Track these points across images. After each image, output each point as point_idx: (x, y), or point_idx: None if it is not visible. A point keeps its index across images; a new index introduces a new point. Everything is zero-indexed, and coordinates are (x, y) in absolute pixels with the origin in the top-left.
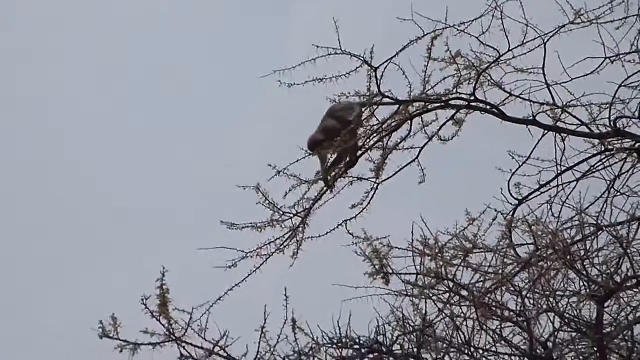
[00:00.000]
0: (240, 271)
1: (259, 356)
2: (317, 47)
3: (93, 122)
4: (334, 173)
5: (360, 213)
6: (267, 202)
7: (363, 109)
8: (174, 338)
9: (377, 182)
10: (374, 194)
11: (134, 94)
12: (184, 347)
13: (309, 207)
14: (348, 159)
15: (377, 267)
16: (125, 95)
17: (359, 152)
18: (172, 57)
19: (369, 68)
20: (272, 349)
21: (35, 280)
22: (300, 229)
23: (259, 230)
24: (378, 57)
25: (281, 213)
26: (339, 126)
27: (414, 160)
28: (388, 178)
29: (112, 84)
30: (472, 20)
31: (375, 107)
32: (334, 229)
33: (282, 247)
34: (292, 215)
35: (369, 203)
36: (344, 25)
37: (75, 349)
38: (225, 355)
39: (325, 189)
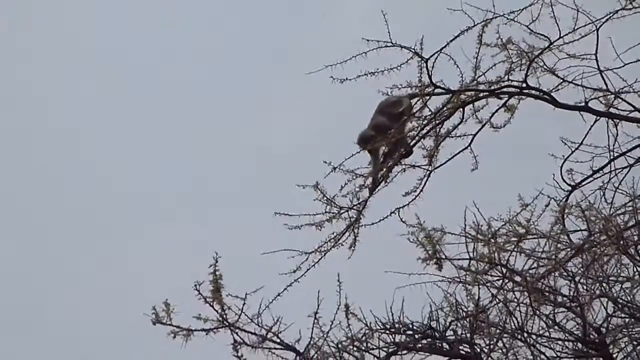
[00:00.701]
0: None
1: (312, 342)
2: (368, 40)
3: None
4: (385, 168)
5: (413, 200)
6: (325, 198)
7: (412, 101)
8: (227, 324)
9: (430, 169)
10: (427, 181)
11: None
12: (237, 333)
13: (365, 200)
14: (403, 150)
15: (429, 252)
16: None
17: (412, 142)
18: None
19: (420, 59)
20: (325, 335)
21: (79, 268)
22: (357, 222)
23: (319, 228)
24: (428, 48)
25: (339, 208)
26: (388, 122)
27: (466, 148)
28: (441, 165)
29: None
30: (522, 9)
31: (427, 97)
32: (386, 217)
33: (340, 242)
34: (348, 209)
35: (421, 190)
36: (393, 17)
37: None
38: (278, 341)
39: (378, 184)
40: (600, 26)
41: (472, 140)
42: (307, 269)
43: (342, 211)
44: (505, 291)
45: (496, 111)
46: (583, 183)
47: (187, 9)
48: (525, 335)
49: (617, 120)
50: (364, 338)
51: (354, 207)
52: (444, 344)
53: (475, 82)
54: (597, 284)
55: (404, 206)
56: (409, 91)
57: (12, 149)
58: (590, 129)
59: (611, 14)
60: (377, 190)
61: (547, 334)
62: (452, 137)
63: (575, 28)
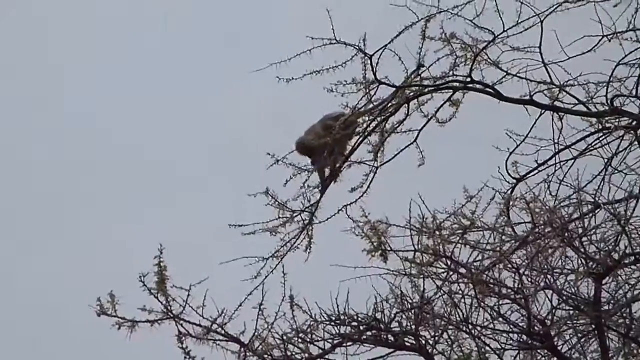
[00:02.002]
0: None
1: (256, 333)
2: (312, 38)
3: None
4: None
5: (360, 197)
6: (277, 203)
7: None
8: (172, 315)
9: (376, 165)
10: (373, 177)
11: None
12: (181, 325)
13: (317, 201)
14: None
15: (375, 244)
16: None
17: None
18: None
19: (364, 56)
20: (269, 326)
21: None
22: (310, 223)
23: (273, 233)
24: (375, 44)
25: (291, 211)
26: (323, 133)
27: (412, 143)
28: (387, 161)
29: None
30: (466, 3)
31: (372, 92)
32: (334, 214)
33: (296, 245)
34: (300, 211)
35: (368, 186)
36: (338, 15)
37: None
38: (223, 332)
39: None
40: (544, 19)
41: (417, 136)
42: (266, 276)
43: (294, 215)
44: (450, 283)
45: (441, 106)
46: (528, 175)
47: None
48: (470, 327)
49: (562, 114)
50: (308, 330)
51: (306, 210)
52: (389, 335)
53: (419, 77)
54: (542, 276)
55: (351, 203)
56: (354, 88)
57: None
58: (535, 122)
59: (555, 7)
60: (326, 190)
61: (492, 325)
62: (397, 132)
63: (519, 21)
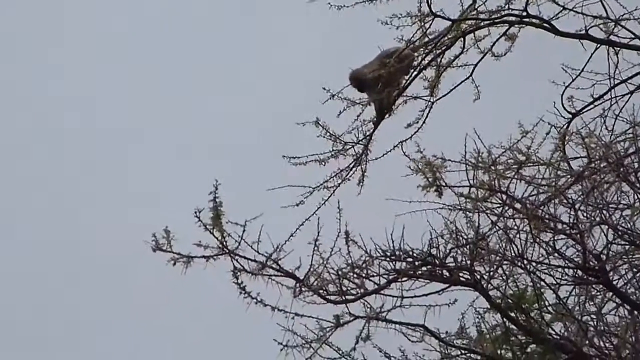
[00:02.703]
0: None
1: (311, 269)
2: None
3: None
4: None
5: (415, 132)
6: (329, 134)
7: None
8: (227, 251)
9: (432, 100)
10: (429, 112)
11: None
12: (236, 260)
13: (370, 134)
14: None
15: (429, 179)
16: None
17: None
18: None
19: None
20: (325, 262)
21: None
22: (364, 156)
23: (323, 163)
24: None
25: (343, 143)
26: (378, 67)
27: (468, 78)
28: (443, 96)
29: None
30: None
31: (427, 25)
32: (390, 150)
33: (348, 177)
34: (354, 144)
35: (424, 122)
36: None
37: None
38: (278, 268)
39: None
40: None
41: (473, 70)
42: (318, 207)
43: (347, 146)
44: (505, 218)
45: (497, 40)
46: (583, 110)
47: None
48: (525, 262)
49: (618, 48)
50: (364, 265)
51: (360, 142)
52: (444, 271)
53: (475, 11)
54: (597, 211)
55: (406, 139)
56: (409, 21)
57: None
58: (590, 57)
59: None
60: (380, 123)
61: (547, 261)
62: (453, 67)
63: None
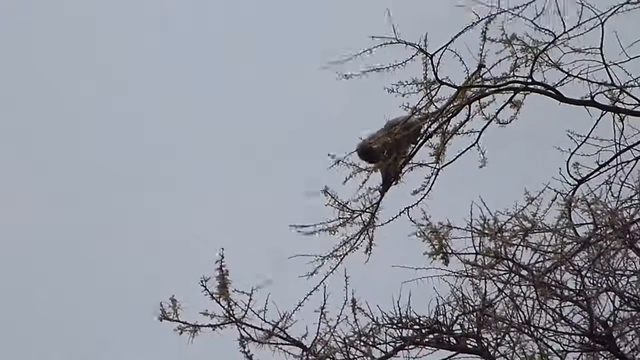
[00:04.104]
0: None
1: (318, 337)
2: (373, 37)
3: None
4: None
5: (421, 199)
6: (337, 203)
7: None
8: (234, 319)
9: (438, 167)
10: (435, 179)
11: None
12: (243, 329)
13: (377, 202)
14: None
15: (436, 246)
16: None
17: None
18: None
19: (425, 56)
20: (332, 330)
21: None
22: (371, 224)
23: (332, 232)
24: (436, 44)
25: (351, 212)
26: (387, 139)
27: (473, 145)
28: (448, 163)
29: None
30: (527, 4)
31: (433, 93)
32: (396, 217)
33: (356, 245)
34: (361, 212)
35: (430, 189)
36: (400, 15)
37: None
38: (285, 336)
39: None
40: (605, 20)
41: (479, 137)
42: (325, 276)
43: (354, 215)
44: (511, 285)
45: (502, 107)
46: (589, 177)
47: None
48: (532, 329)
49: (623, 114)
50: (371, 333)
51: (367, 210)
52: (451, 338)
53: (480, 78)
54: (604, 278)
55: (412, 205)
56: (415, 88)
57: None
58: (596, 123)
59: (616, 8)
60: (387, 191)
61: (554, 327)
62: (459, 134)
63: (580, 22)
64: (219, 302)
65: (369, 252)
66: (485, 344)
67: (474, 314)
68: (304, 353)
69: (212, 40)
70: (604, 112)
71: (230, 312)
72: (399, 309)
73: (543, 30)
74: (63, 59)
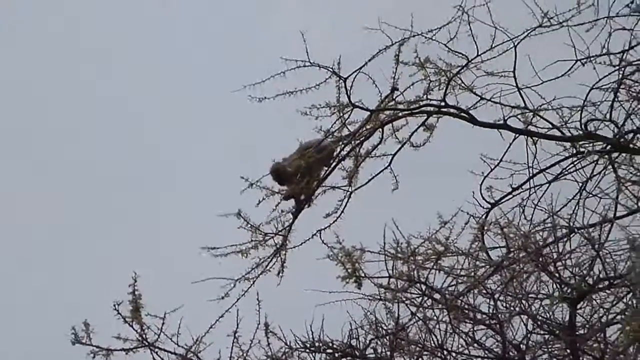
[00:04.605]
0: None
1: None
2: (286, 59)
3: None
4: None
5: (334, 222)
6: (250, 225)
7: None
8: (147, 343)
9: (350, 190)
10: (347, 202)
11: None
12: (156, 352)
13: (290, 225)
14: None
15: (349, 270)
16: None
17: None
18: None
19: (338, 79)
20: (244, 354)
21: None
22: (283, 247)
23: (244, 255)
24: (350, 68)
25: (263, 234)
26: (298, 159)
27: (386, 168)
28: (361, 186)
29: None
30: (440, 27)
31: (346, 116)
32: (308, 239)
33: (268, 268)
34: (273, 235)
35: (342, 212)
36: (314, 38)
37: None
38: None
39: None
40: (517, 43)
41: (391, 160)
42: (237, 299)
43: (267, 237)
44: (424, 309)
45: (415, 130)
46: (502, 200)
47: None
48: (445, 353)
49: (536, 138)
50: (283, 357)
51: (279, 233)
52: None
53: (394, 101)
54: (517, 301)
55: (325, 228)
56: (329, 111)
57: None
58: (509, 147)
59: (528, 32)
60: (299, 214)
61: (466, 351)
62: (371, 157)
63: (493, 46)
64: (131, 326)
65: (281, 274)
66: None
67: (387, 337)
68: None
69: (212, 40)
70: (517, 135)
71: (144, 335)
72: (312, 333)
73: (456, 54)
74: (63, 58)
